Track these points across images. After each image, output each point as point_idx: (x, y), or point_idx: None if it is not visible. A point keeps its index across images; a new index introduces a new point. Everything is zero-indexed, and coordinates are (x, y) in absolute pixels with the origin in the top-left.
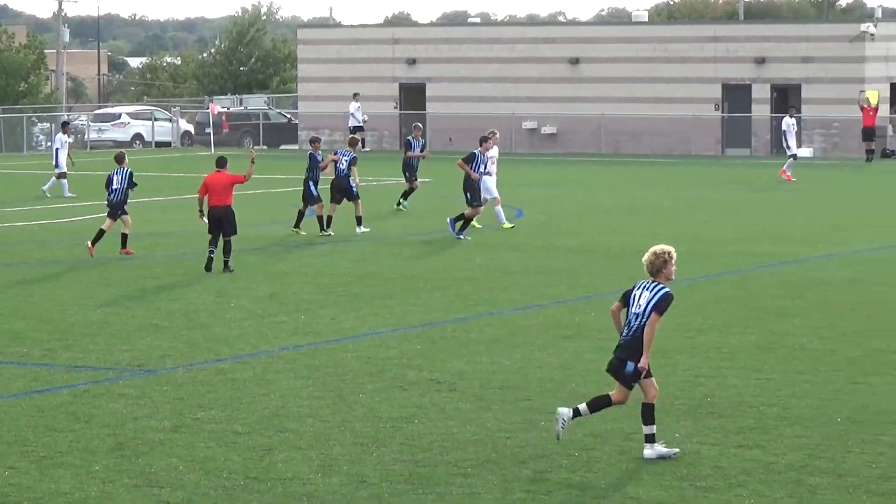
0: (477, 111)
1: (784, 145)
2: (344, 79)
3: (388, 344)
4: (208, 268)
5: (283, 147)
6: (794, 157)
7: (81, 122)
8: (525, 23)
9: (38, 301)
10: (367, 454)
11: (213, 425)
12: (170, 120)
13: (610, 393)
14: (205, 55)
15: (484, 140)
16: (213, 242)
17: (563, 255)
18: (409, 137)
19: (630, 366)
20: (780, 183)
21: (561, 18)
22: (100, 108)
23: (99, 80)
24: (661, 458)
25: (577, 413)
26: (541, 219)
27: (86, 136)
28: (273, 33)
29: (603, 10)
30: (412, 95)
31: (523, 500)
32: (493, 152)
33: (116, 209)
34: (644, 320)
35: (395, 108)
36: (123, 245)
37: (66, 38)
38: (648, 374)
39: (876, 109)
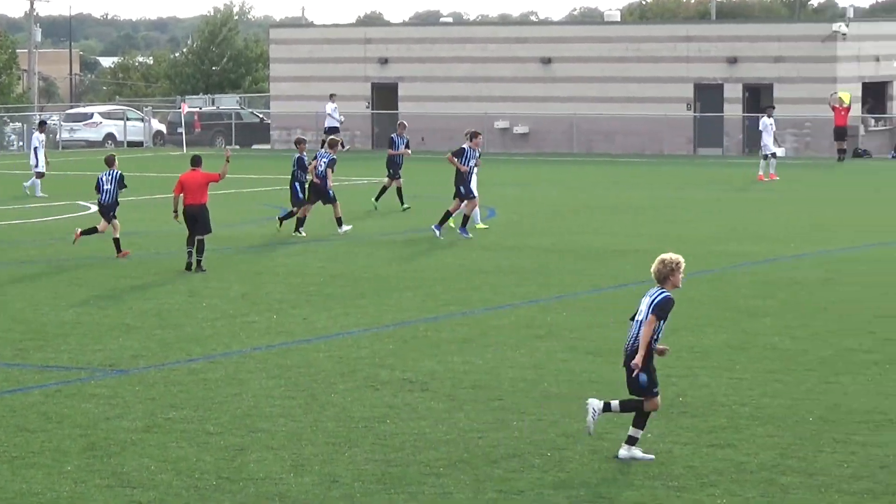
0: (449, 111)
1: (761, 144)
2: (316, 78)
3: (361, 343)
4: (189, 267)
5: (255, 147)
6: (774, 155)
7: (54, 122)
8: (497, 22)
9: (10, 301)
10: (339, 454)
11: (185, 425)
12: (142, 120)
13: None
14: (177, 55)
15: (475, 135)
16: (191, 242)
17: (535, 255)
18: (393, 135)
19: (643, 377)
20: (755, 183)
21: (533, 18)
22: (72, 107)
23: (71, 79)
24: (634, 459)
25: (607, 407)
26: (513, 218)
27: (58, 136)
28: (245, 33)
29: (575, 9)
30: (384, 95)
31: (495, 499)
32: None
33: (108, 211)
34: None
35: (368, 107)
36: (118, 250)
37: (38, 37)
38: (655, 386)
39: (848, 109)
